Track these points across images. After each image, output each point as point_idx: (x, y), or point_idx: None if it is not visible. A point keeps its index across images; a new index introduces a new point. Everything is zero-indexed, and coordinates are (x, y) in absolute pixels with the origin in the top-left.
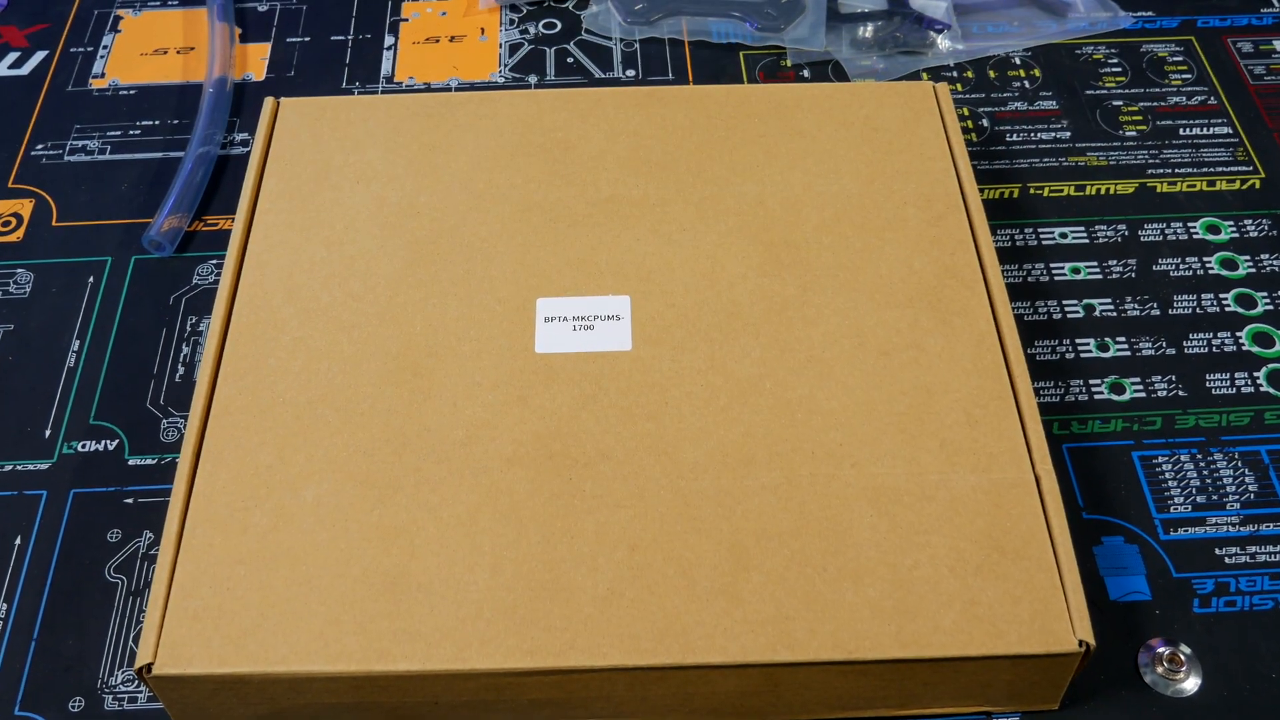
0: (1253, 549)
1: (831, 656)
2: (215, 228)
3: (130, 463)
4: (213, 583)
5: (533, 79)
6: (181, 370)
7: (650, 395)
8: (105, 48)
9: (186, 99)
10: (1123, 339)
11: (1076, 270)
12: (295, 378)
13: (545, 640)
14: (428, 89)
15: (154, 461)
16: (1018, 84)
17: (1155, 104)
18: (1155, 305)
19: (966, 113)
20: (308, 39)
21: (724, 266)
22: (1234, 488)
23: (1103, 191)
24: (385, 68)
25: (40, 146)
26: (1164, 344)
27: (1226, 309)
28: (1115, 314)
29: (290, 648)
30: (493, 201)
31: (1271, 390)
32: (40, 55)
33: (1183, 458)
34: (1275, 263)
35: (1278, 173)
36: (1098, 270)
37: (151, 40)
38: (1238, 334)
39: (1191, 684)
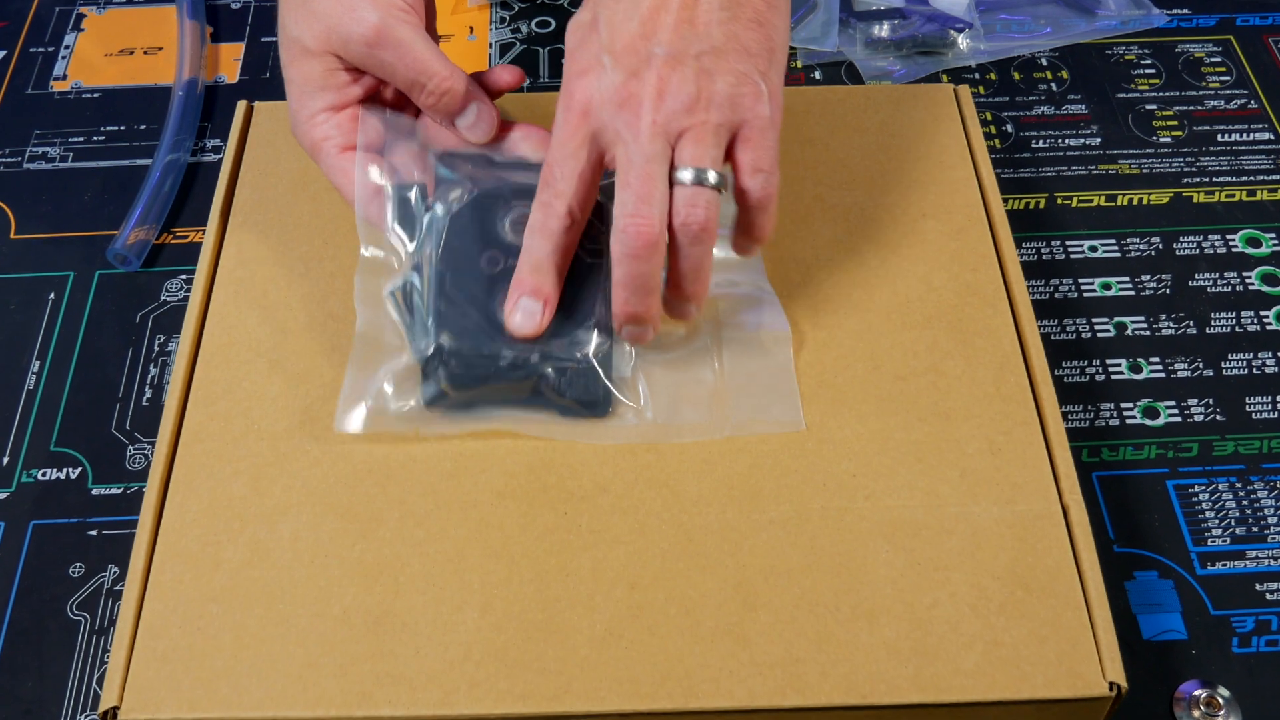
0: None
1: (845, 701)
2: (185, 240)
3: (94, 492)
4: (182, 622)
5: (525, 82)
6: (149, 393)
7: None
8: (67, 48)
9: (154, 102)
10: (1157, 360)
11: (1107, 286)
12: (271, 403)
13: (539, 684)
14: None
15: (119, 491)
16: (1044, 86)
17: (1191, 108)
18: (1191, 323)
19: (989, 117)
20: None
21: None
22: (1275, 519)
23: (1135, 202)
24: None
25: None
26: (1201, 365)
27: (1268, 327)
28: (1149, 333)
29: (266, 692)
30: None
31: None
32: None
33: (1221, 487)
34: None
35: None
36: (1130, 286)
37: (117, 40)
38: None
39: None
